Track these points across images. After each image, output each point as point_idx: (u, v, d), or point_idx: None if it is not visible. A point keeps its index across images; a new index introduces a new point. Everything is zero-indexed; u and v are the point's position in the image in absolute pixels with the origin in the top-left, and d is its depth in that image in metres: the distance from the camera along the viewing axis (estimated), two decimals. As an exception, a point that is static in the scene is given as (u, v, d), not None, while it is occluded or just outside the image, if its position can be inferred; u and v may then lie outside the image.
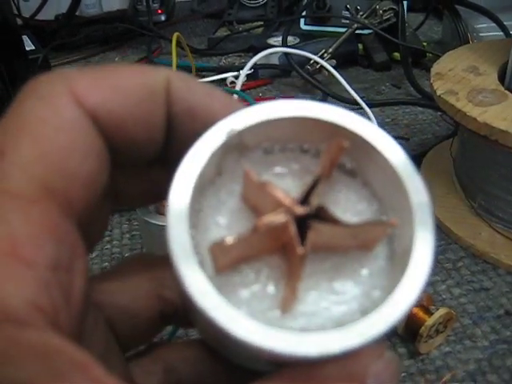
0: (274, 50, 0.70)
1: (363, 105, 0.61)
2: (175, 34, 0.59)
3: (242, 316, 0.13)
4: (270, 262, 0.16)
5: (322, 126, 0.16)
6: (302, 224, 0.15)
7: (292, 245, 0.15)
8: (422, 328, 0.37)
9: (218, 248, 0.14)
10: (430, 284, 0.44)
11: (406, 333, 0.39)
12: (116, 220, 0.53)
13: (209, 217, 0.16)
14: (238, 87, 0.58)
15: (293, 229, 0.15)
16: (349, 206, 0.17)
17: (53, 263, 0.13)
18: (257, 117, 0.16)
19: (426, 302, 0.39)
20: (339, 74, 0.67)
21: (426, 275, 0.14)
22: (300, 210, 0.15)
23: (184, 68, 0.74)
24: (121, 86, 0.16)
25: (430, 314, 0.38)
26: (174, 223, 0.14)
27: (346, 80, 0.66)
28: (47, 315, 0.13)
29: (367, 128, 0.16)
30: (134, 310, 0.19)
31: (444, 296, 0.43)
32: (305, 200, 0.15)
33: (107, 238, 0.51)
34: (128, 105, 0.16)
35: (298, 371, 0.14)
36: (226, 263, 0.15)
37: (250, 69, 0.80)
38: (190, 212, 0.15)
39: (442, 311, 0.37)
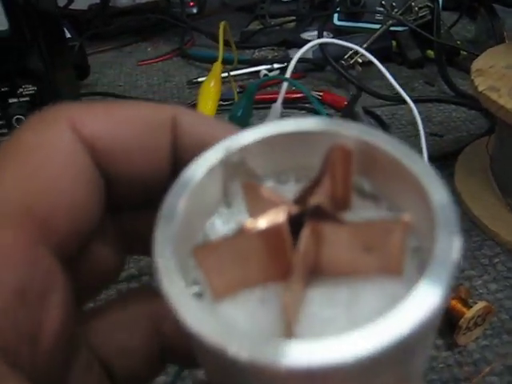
0: (322, 41, 0.68)
1: (408, 99, 0.59)
2: (222, 23, 0.58)
3: (239, 334, 0.11)
4: (275, 290, 0.14)
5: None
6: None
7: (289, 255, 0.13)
8: (462, 320, 0.37)
9: (201, 251, 0.13)
10: (467, 278, 0.44)
11: (444, 324, 0.39)
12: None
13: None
14: (288, 74, 0.58)
15: (285, 229, 0.13)
16: None
17: (20, 286, 0.12)
18: (260, 133, 0.14)
19: (464, 295, 0.40)
20: (376, 69, 0.66)
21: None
22: (294, 209, 0.13)
23: (225, 59, 0.73)
24: (123, 116, 0.16)
25: (468, 306, 0.38)
26: (161, 250, 0.13)
27: (382, 76, 0.66)
28: (4, 346, 0.12)
29: (399, 149, 0.14)
30: (131, 349, 0.18)
31: (481, 291, 0.43)
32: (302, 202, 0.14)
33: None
34: (130, 135, 0.16)
35: None
36: (222, 285, 0.13)
37: (283, 62, 0.80)
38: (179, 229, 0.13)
39: (481, 304, 0.38)
